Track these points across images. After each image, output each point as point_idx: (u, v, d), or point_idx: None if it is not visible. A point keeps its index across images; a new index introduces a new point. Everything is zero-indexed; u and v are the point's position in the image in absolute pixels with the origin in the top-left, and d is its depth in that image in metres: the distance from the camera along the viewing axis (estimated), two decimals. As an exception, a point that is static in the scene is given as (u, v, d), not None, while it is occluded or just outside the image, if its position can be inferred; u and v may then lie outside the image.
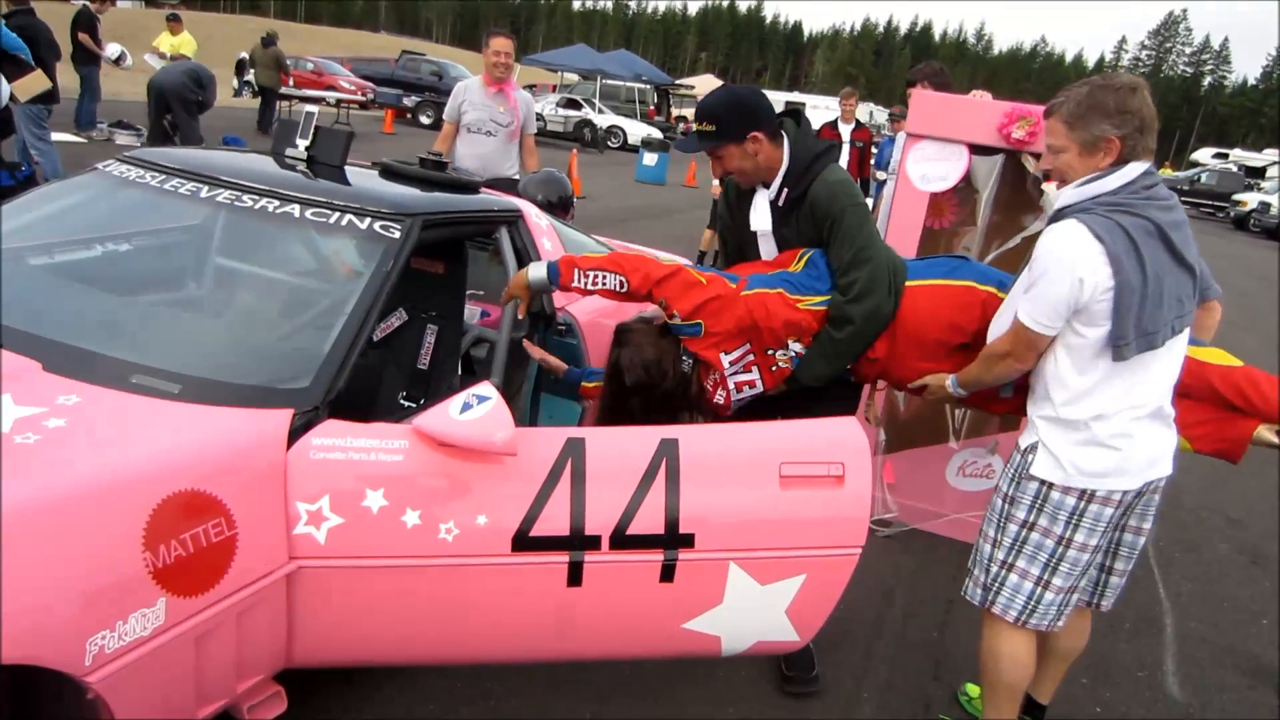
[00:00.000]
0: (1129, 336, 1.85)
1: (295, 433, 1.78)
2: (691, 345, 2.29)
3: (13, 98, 5.49)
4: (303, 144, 2.60)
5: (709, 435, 2.05)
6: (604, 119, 23.54)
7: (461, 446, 1.76)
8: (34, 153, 6.52)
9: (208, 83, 8.33)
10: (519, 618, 1.96)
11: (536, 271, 2.35)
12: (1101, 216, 1.84)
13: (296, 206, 2.23)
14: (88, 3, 10.26)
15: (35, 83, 5.66)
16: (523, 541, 1.85)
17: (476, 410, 1.76)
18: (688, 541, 1.94)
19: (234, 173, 2.33)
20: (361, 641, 1.92)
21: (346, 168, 2.62)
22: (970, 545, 3.58)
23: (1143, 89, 1.89)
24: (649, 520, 1.91)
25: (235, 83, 16.36)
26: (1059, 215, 1.93)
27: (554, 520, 1.87)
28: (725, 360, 2.28)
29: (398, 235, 2.22)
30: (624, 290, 2.30)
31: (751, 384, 2.33)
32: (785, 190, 2.39)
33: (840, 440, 2.06)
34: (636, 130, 22.90)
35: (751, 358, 2.31)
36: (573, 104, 23.96)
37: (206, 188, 2.27)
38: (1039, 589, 2.06)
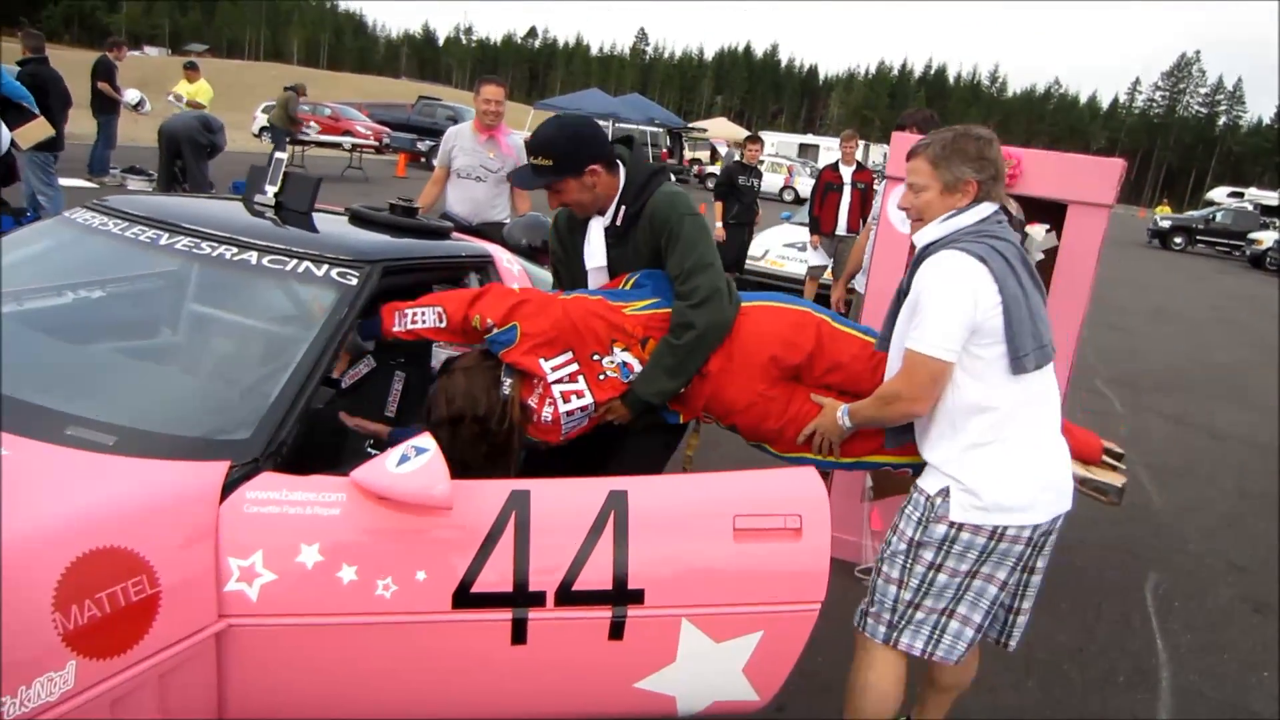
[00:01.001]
0: (1027, 347, 1.93)
1: (232, 485, 1.74)
2: (509, 356, 2.15)
3: (15, 144, 5.58)
4: (271, 190, 2.60)
5: (660, 487, 1.99)
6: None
7: (399, 500, 1.71)
8: (41, 199, 6.63)
9: (217, 129, 8.50)
10: (461, 677, 1.89)
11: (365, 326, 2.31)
12: (972, 243, 1.96)
13: (254, 254, 2.21)
14: (106, 52, 10.55)
15: (37, 130, 5.77)
16: (464, 598, 1.79)
17: (414, 463, 1.72)
18: (637, 597, 1.87)
19: (198, 220, 2.32)
20: (297, 702, 1.85)
21: (315, 214, 2.61)
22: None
23: (996, 143, 2.07)
24: (596, 575, 1.85)
25: (255, 127, 16.73)
26: (926, 252, 2.03)
27: (497, 576, 1.81)
28: (546, 367, 2.18)
29: (355, 282, 2.20)
30: (444, 324, 2.24)
31: (579, 394, 2.21)
32: (623, 208, 2.38)
33: (798, 491, 1.99)
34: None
35: (576, 367, 2.22)
36: None
37: (167, 235, 2.26)
38: (945, 619, 2.08)
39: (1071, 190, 3.24)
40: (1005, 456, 1.99)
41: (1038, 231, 3.34)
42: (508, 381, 2.17)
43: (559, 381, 2.20)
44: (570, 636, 1.87)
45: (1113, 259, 19.83)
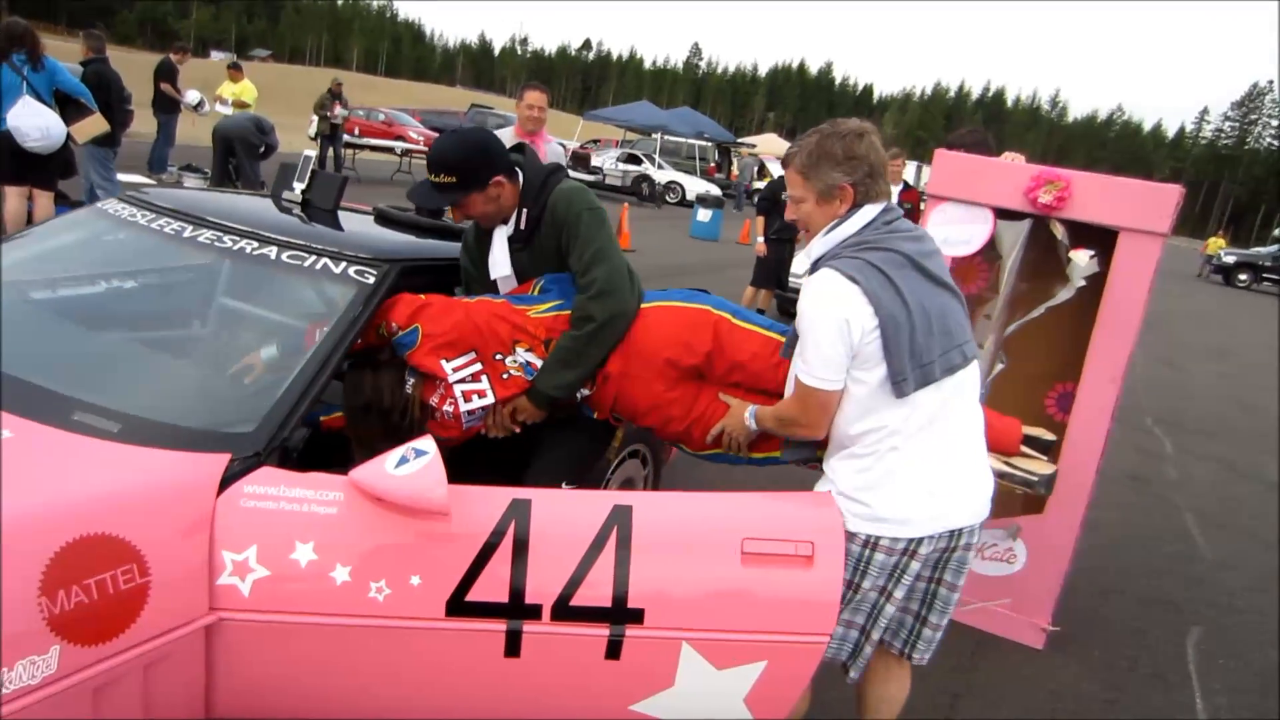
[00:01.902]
0: (905, 371, 1.82)
1: (230, 479, 1.73)
2: (413, 358, 2.18)
3: (72, 139, 5.74)
4: (299, 187, 2.62)
5: (666, 503, 1.94)
6: (663, 174, 23.81)
7: (394, 502, 1.68)
8: (99, 192, 6.81)
9: (268, 129, 8.67)
10: (451, 687, 1.84)
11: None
12: (849, 258, 1.84)
13: (274, 248, 2.22)
14: (170, 55, 10.86)
15: (93, 126, 5.93)
16: (458, 606, 1.75)
17: (412, 465, 1.68)
18: (637, 617, 1.81)
19: (224, 214, 2.34)
20: (285, 701, 1.82)
21: (342, 213, 2.62)
22: (989, 636, 3.37)
23: (870, 134, 1.92)
24: (595, 591, 1.79)
25: (311, 130, 17.07)
26: (814, 268, 1.92)
27: (492, 585, 1.76)
28: (448, 368, 2.18)
29: (372, 281, 2.18)
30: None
31: (482, 393, 2.21)
32: (525, 212, 2.35)
33: (812, 517, 1.91)
34: (694, 186, 23.09)
35: (479, 367, 2.22)
36: (633, 159, 24.33)
37: (191, 228, 2.27)
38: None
39: (1123, 216, 3.10)
40: (886, 469, 1.89)
41: (1081, 257, 3.20)
42: (410, 381, 2.22)
43: (461, 381, 2.20)
44: (565, 653, 1.82)
45: (1171, 292, 19.22)
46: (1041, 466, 2.53)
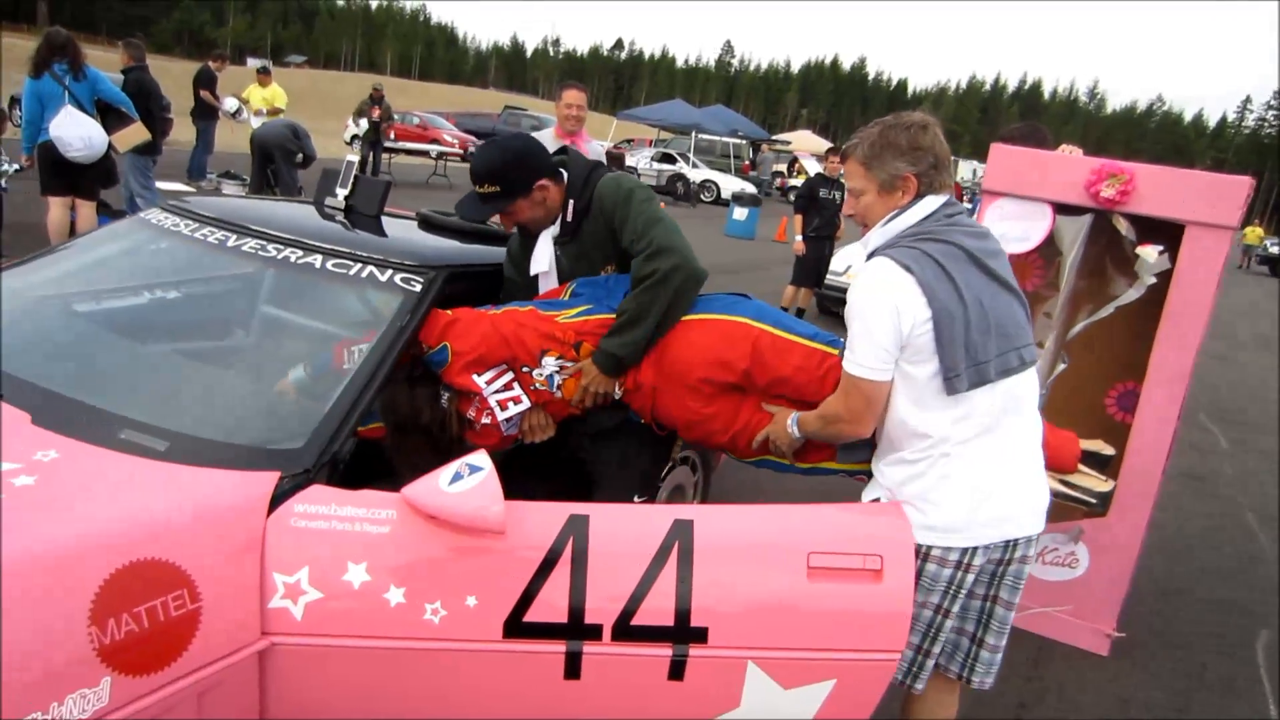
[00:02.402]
0: (959, 366, 1.74)
1: (280, 498, 1.68)
2: (446, 376, 2.16)
3: (113, 147, 5.79)
4: (342, 193, 2.57)
5: (728, 517, 1.85)
6: (697, 173, 23.68)
7: (447, 520, 1.62)
8: (139, 200, 6.87)
9: (304, 136, 8.70)
10: (509, 711, 1.78)
11: None
12: (905, 248, 1.79)
13: (319, 256, 2.17)
14: (209, 63, 10.99)
15: (134, 135, 5.98)
16: (515, 627, 1.68)
17: (466, 481, 1.62)
18: (700, 636, 1.73)
19: (267, 222, 2.30)
20: (340, 727, 1.77)
21: (385, 218, 2.57)
22: (1052, 642, 3.26)
23: (934, 126, 1.87)
24: (657, 610, 1.71)
25: (346, 135, 17.23)
26: (871, 259, 1.86)
27: (551, 605, 1.69)
28: (481, 382, 2.15)
29: (419, 288, 2.13)
30: None
31: (517, 399, 2.20)
32: (570, 204, 2.31)
33: (880, 529, 1.82)
34: (729, 185, 22.94)
35: (511, 375, 2.18)
36: (667, 158, 24.23)
37: (234, 236, 2.24)
38: None
39: (1190, 210, 2.96)
40: (938, 475, 1.81)
41: (1149, 253, 3.06)
42: (446, 395, 2.21)
43: (496, 392, 2.19)
44: (627, 674, 1.74)
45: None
46: (1099, 484, 2.39)
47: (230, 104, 10.72)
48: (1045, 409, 3.37)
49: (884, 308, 1.74)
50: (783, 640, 1.77)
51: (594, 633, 1.70)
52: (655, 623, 1.71)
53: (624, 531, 1.76)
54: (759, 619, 1.76)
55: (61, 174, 5.63)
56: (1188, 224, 2.97)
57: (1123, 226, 3.06)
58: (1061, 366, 3.41)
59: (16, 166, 5.83)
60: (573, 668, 1.72)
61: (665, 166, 23.69)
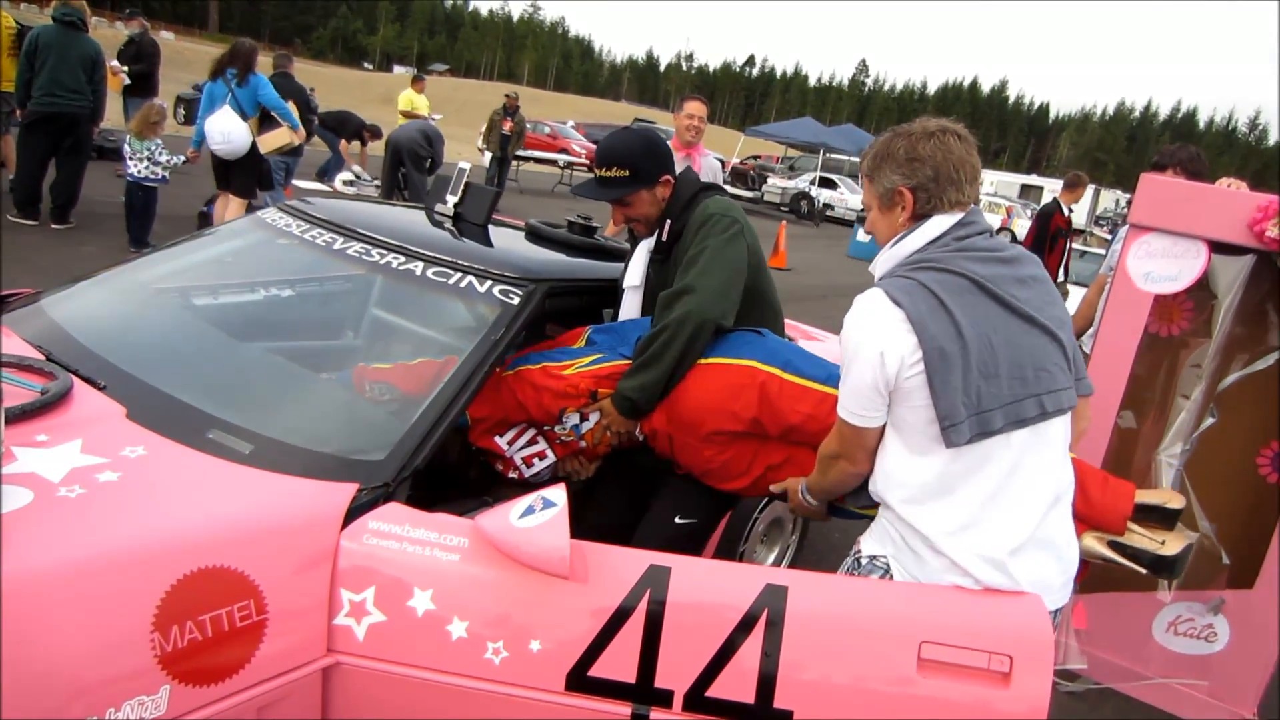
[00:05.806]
0: (956, 415, 1.50)
1: (356, 511, 1.62)
2: (471, 438, 2.15)
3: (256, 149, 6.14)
4: (451, 200, 2.54)
5: (829, 587, 1.65)
6: (823, 192, 23.21)
7: (511, 556, 1.52)
8: (266, 199, 7.24)
9: (435, 140, 8.95)
10: (568, 768, 1.66)
11: None
12: (901, 277, 1.57)
13: (420, 264, 2.13)
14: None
15: (277, 139, 6.30)
16: (579, 680, 1.56)
17: (538, 517, 1.52)
18: (784, 718, 1.55)
19: (375, 226, 2.28)
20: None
21: (493, 228, 2.52)
22: (1177, 719, 2.93)
23: (945, 135, 1.60)
24: (737, 682, 1.55)
25: (480, 141, 17.69)
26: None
27: (620, 661, 1.56)
28: (503, 443, 2.16)
29: (516, 301, 2.05)
30: None
31: (542, 454, 2.19)
32: (668, 222, 2.21)
33: (1013, 620, 1.57)
34: (856, 204, 22.34)
35: (533, 432, 2.17)
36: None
37: (341, 240, 2.23)
38: None
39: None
40: (943, 554, 1.59)
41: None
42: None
43: (520, 449, 2.18)
44: (697, 747, 1.59)
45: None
46: (1153, 545, 1.87)
47: (347, 175, 10.57)
48: (1188, 466, 3.04)
49: (867, 348, 1.54)
50: (879, 736, 1.56)
51: (664, 699, 1.56)
52: (733, 697, 1.55)
53: (708, 589, 1.61)
54: (855, 709, 1.55)
55: (216, 169, 6.14)
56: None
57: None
58: (1209, 421, 3.07)
59: (181, 158, 6.28)
60: (638, 732, 1.58)
61: (790, 184, 23.32)
